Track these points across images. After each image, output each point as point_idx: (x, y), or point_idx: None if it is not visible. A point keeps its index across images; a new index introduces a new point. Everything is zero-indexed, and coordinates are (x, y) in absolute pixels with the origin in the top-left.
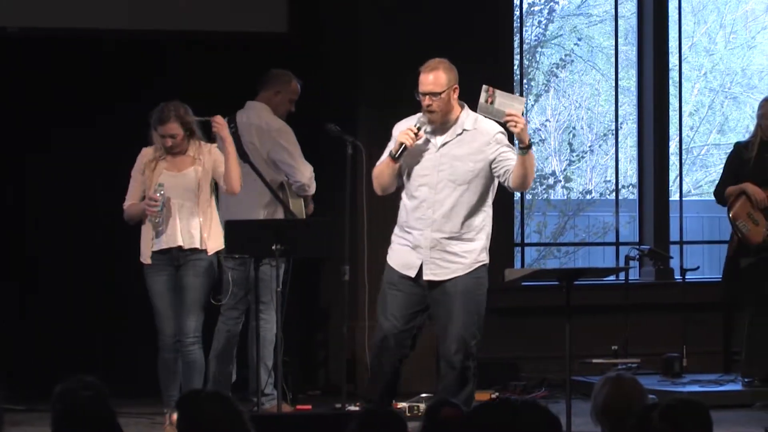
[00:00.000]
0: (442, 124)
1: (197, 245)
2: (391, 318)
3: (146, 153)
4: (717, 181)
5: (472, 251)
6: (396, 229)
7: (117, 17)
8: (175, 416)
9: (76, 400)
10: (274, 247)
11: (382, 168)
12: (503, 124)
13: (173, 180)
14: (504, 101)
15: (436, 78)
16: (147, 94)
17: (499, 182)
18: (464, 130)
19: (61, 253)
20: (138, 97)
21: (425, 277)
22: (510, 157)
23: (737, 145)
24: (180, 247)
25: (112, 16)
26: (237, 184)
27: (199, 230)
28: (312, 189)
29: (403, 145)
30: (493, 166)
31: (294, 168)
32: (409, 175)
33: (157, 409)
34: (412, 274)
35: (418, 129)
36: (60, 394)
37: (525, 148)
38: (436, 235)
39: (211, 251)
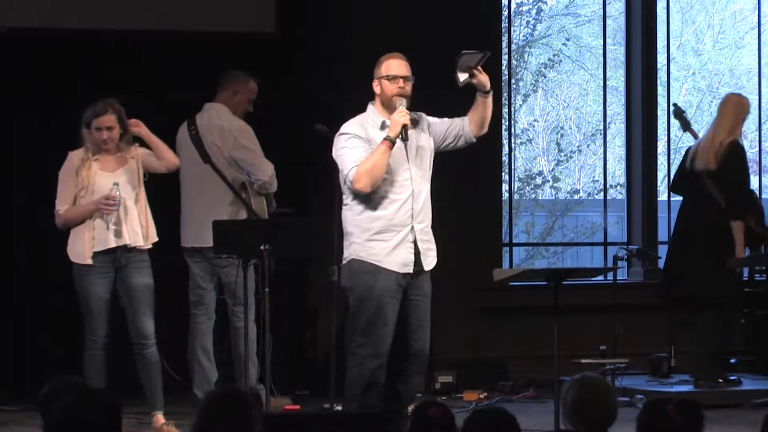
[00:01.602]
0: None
1: (141, 243)
2: (391, 330)
3: (76, 155)
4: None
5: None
6: (367, 234)
7: (104, 17)
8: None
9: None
10: (262, 247)
11: (378, 159)
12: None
13: (111, 180)
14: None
15: (405, 64)
16: (133, 92)
17: (451, 146)
18: (416, 121)
19: (48, 252)
20: (123, 96)
21: (426, 268)
22: (446, 119)
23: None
24: (125, 246)
25: (99, 15)
26: (172, 156)
27: (140, 227)
28: (273, 187)
29: (406, 126)
30: (443, 134)
31: (255, 166)
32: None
33: (143, 408)
34: (411, 269)
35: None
36: (47, 395)
37: (488, 92)
38: (419, 226)
39: (149, 244)
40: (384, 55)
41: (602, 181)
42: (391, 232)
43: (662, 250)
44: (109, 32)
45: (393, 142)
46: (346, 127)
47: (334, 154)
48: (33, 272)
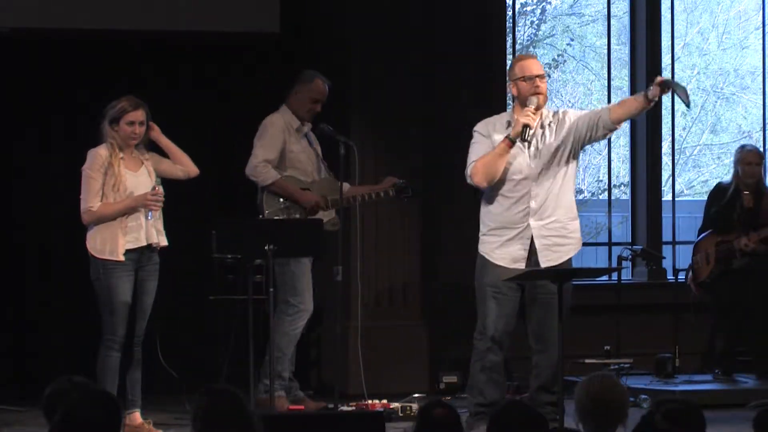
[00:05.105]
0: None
1: (165, 242)
2: (500, 321)
3: (102, 153)
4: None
5: None
6: (485, 229)
7: (106, 17)
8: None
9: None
10: (266, 248)
11: (495, 156)
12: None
13: (136, 179)
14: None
15: (537, 63)
16: (134, 93)
17: (592, 138)
18: (550, 121)
19: (52, 251)
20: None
21: (543, 265)
22: (585, 112)
23: (719, 185)
24: (150, 245)
25: (101, 16)
26: (189, 162)
27: (162, 227)
28: (260, 180)
29: (527, 126)
30: (583, 129)
31: (251, 157)
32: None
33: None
34: (522, 265)
35: (536, 110)
36: (51, 395)
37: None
38: (539, 223)
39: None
40: (517, 56)
41: (606, 181)
42: (505, 229)
43: (666, 251)
44: (111, 32)
45: (513, 141)
46: (477, 125)
47: None
48: (36, 271)
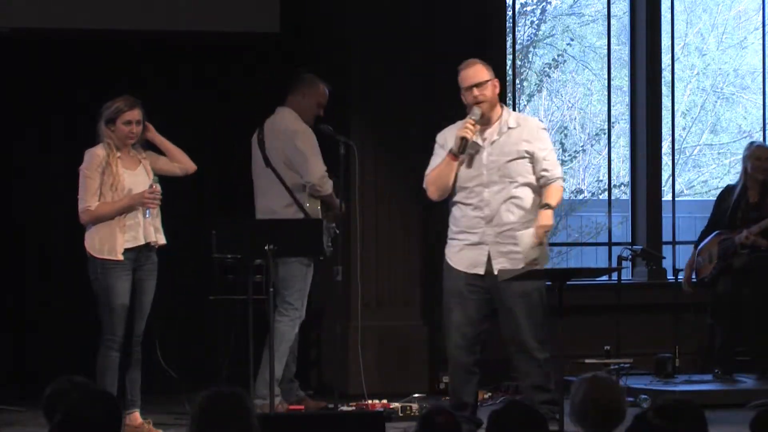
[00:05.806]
0: (486, 123)
1: (163, 241)
2: (460, 327)
3: (99, 153)
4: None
5: None
6: (451, 234)
7: (106, 17)
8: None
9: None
10: (267, 248)
11: (441, 170)
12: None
13: (134, 178)
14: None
15: (476, 70)
16: (133, 93)
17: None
18: (509, 127)
19: (51, 251)
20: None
21: (494, 271)
22: (546, 167)
23: (728, 187)
24: (148, 244)
25: (101, 16)
26: (186, 159)
27: (160, 225)
28: (324, 189)
29: (465, 139)
30: (533, 158)
31: (304, 168)
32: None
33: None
34: (482, 270)
35: (475, 122)
36: (51, 395)
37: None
38: (494, 230)
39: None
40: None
41: (606, 181)
42: (465, 234)
43: (666, 251)
44: (111, 32)
45: (455, 155)
46: (438, 135)
47: None
48: (36, 271)
